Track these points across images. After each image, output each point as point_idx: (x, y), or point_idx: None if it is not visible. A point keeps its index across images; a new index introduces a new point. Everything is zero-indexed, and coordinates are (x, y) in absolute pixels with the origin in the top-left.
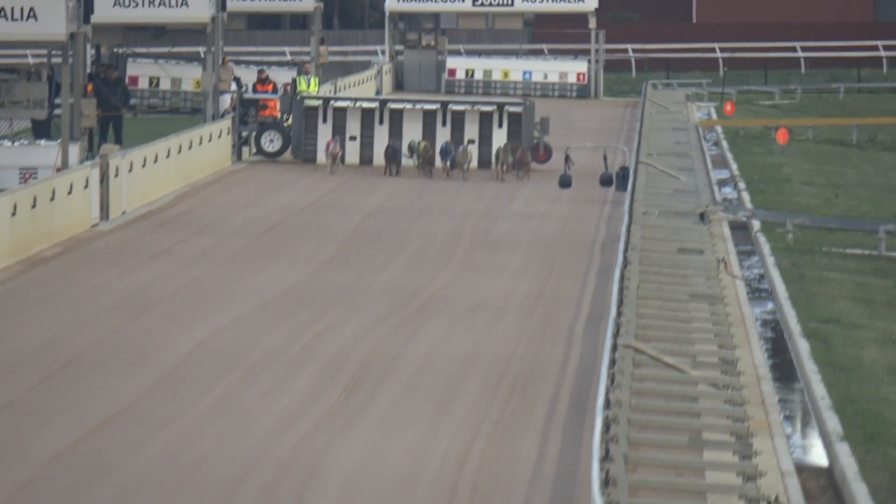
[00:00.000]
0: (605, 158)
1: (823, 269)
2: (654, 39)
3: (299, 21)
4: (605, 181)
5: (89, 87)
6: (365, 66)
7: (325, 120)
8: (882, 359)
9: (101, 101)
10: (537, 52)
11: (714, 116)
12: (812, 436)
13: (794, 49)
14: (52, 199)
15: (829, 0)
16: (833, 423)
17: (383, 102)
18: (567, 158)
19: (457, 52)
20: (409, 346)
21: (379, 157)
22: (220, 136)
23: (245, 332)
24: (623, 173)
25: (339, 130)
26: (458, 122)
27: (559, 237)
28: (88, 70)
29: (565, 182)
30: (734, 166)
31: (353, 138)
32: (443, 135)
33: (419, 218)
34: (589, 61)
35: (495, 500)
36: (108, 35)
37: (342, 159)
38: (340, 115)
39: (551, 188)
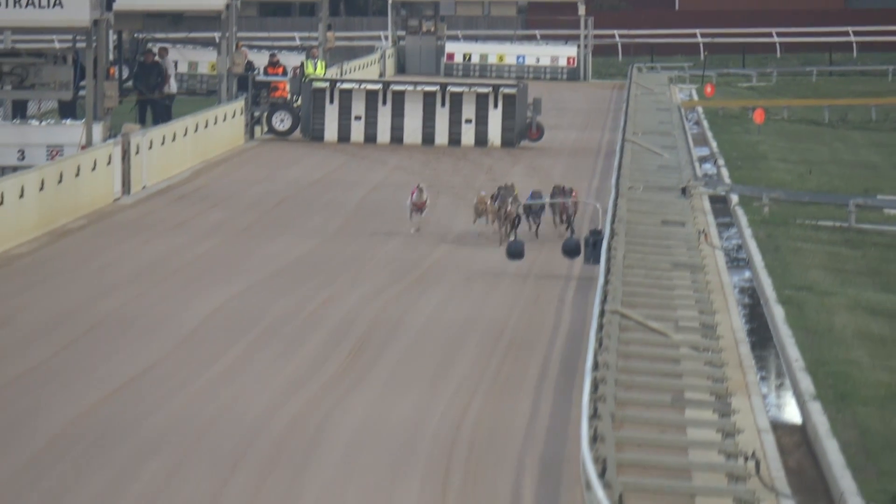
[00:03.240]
0: (569, 219)
1: (797, 240)
2: (639, 26)
3: (308, 8)
4: (571, 250)
5: (112, 71)
6: (369, 50)
7: (331, 101)
8: (852, 324)
9: (138, 84)
10: (530, 38)
11: (695, 97)
12: (786, 395)
13: (770, 35)
14: (77, 174)
15: None
16: (806, 383)
17: (386, 84)
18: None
19: (455, 38)
20: (411, 312)
21: (384, 135)
22: (233, 116)
23: (257, 300)
24: (594, 239)
25: (344, 111)
26: (456, 102)
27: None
28: (125, 55)
29: (515, 251)
30: (714, 144)
31: (357, 118)
32: (442, 115)
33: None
34: (578, 46)
35: (491, 457)
36: (129, 21)
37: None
38: (346, 96)
39: (543, 164)
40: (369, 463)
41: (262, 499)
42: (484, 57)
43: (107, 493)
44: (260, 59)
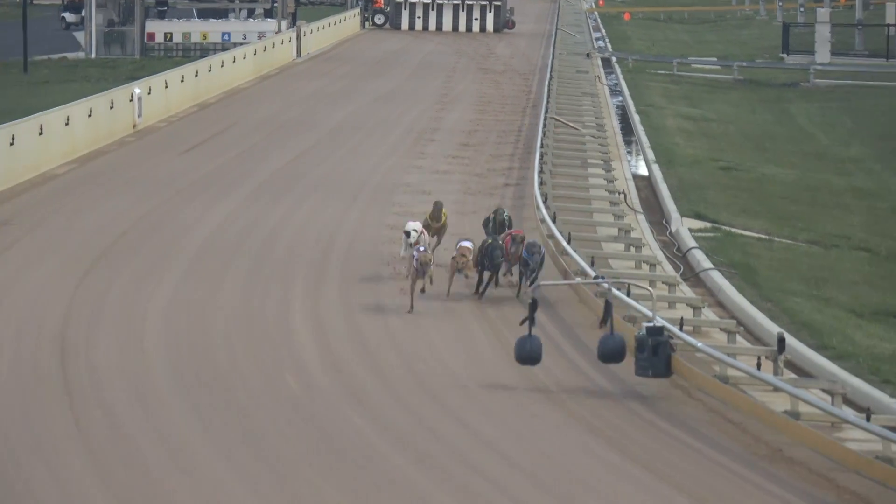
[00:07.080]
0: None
1: (647, 80)
2: None
3: None
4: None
5: None
6: None
7: (405, 8)
8: (674, 124)
9: None
10: None
11: (593, 6)
12: (640, 161)
13: None
14: (273, 47)
15: None
16: (650, 154)
17: (433, 1)
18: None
19: None
20: (446, 119)
21: (432, 26)
22: (354, 17)
23: (366, 112)
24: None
25: (412, 14)
26: (469, 9)
27: (519, 64)
28: None
29: (529, 354)
30: (603, 31)
31: (419, 18)
32: (462, 17)
33: (451, 56)
34: None
35: (485, 188)
36: None
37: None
38: (412, 7)
39: (514, 41)
40: (429, 200)
41: (371, 213)
42: None
43: (289, 211)
44: None
